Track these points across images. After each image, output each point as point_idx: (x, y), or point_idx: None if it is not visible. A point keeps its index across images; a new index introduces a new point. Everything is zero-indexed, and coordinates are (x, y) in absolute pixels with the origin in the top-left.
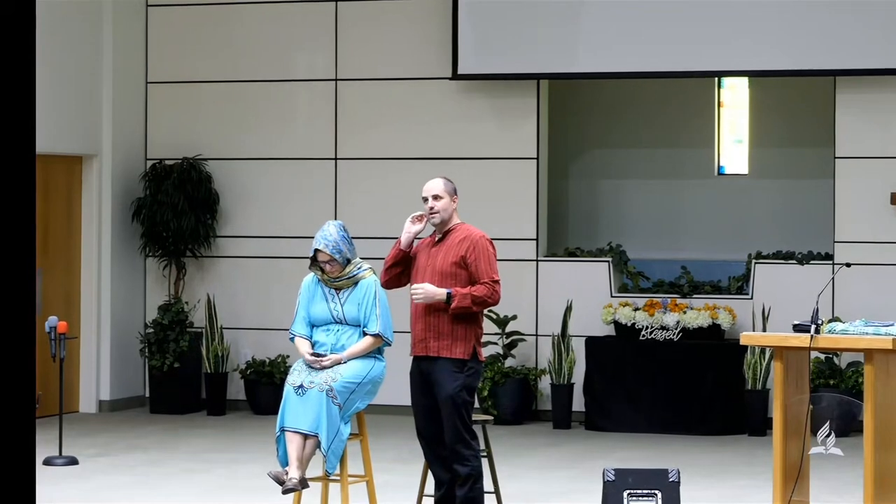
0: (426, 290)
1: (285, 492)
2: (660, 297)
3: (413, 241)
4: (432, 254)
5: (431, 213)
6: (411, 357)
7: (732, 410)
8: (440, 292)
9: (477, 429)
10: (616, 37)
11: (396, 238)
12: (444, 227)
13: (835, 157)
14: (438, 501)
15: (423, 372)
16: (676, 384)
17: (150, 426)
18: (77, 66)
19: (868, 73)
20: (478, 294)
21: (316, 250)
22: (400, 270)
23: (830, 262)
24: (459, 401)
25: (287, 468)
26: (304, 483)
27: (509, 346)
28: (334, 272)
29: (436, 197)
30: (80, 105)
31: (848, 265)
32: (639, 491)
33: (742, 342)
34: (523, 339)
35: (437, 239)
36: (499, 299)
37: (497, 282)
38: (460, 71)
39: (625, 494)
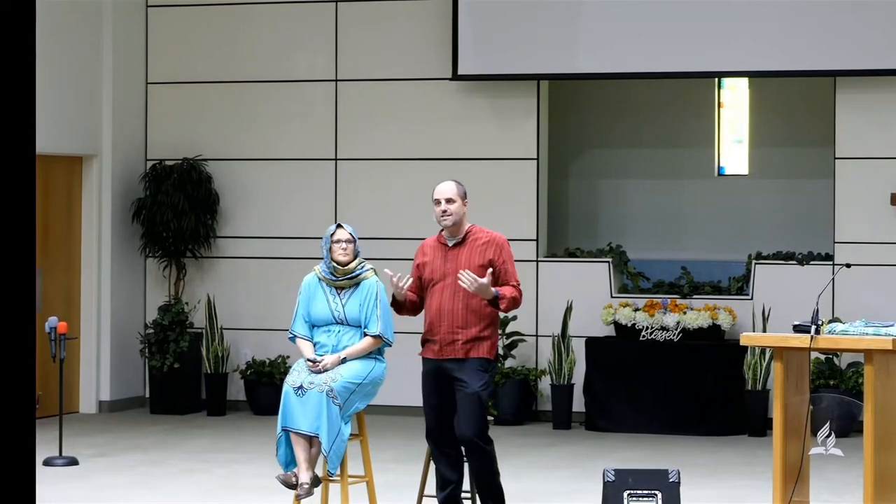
0: (480, 282)
1: (299, 498)
2: (660, 298)
3: (405, 291)
4: (450, 257)
5: (444, 216)
6: (431, 358)
7: (732, 410)
8: (491, 290)
9: None
10: (616, 37)
11: (396, 238)
12: (457, 230)
13: (835, 157)
14: (443, 502)
15: (443, 372)
16: (676, 384)
17: (150, 426)
18: (77, 66)
19: (868, 73)
20: (515, 296)
21: (338, 225)
22: (413, 306)
23: (830, 262)
24: (484, 397)
25: (295, 471)
26: (316, 482)
27: (509, 347)
28: (347, 255)
29: (448, 200)
30: (80, 105)
31: (848, 266)
32: (639, 491)
33: (742, 343)
34: (523, 340)
35: (450, 242)
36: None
37: (519, 283)
38: (460, 71)
39: (625, 495)
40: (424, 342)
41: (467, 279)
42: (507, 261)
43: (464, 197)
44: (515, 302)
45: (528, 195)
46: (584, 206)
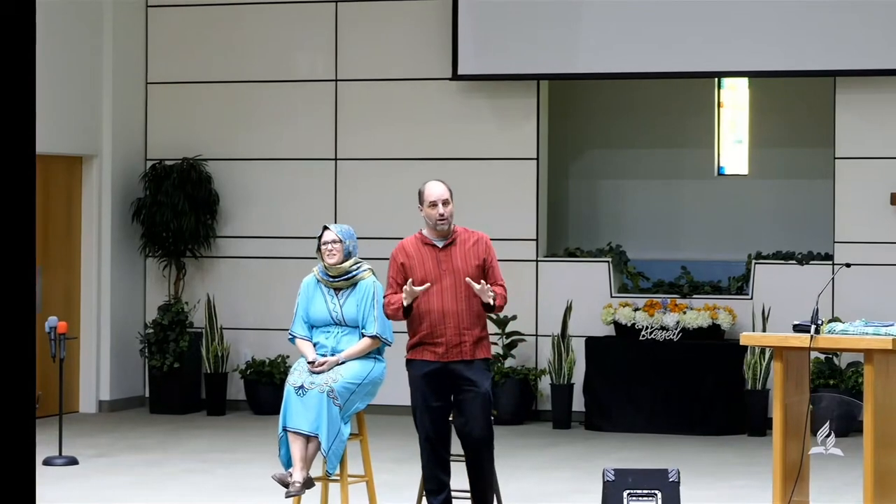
0: (485, 286)
1: (289, 496)
2: (660, 298)
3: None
4: (443, 257)
5: (442, 220)
6: (432, 361)
7: (732, 410)
8: (490, 293)
9: None
10: (616, 37)
11: (395, 238)
12: (449, 230)
13: (835, 157)
14: None
15: (448, 374)
16: (676, 384)
17: (150, 426)
18: (77, 66)
19: (868, 73)
20: (505, 297)
21: (324, 227)
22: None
23: (830, 262)
24: (490, 396)
25: (290, 470)
26: (309, 483)
27: (509, 347)
28: (335, 254)
29: (445, 202)
30: (80, 105)
31: (848, 265)
32: (639, 491)
33: (742, 342)
34: (523, 340)
35: (439, 243)
36: None
37: (504, 282)
38: (460, 71)
39: (625, 494)
40: (419, 345)
41: (476, 285)
42: (493, 260)
43: (452, 196)
44: (505, 302)
45: (528, 195)
46: (584, 206)
